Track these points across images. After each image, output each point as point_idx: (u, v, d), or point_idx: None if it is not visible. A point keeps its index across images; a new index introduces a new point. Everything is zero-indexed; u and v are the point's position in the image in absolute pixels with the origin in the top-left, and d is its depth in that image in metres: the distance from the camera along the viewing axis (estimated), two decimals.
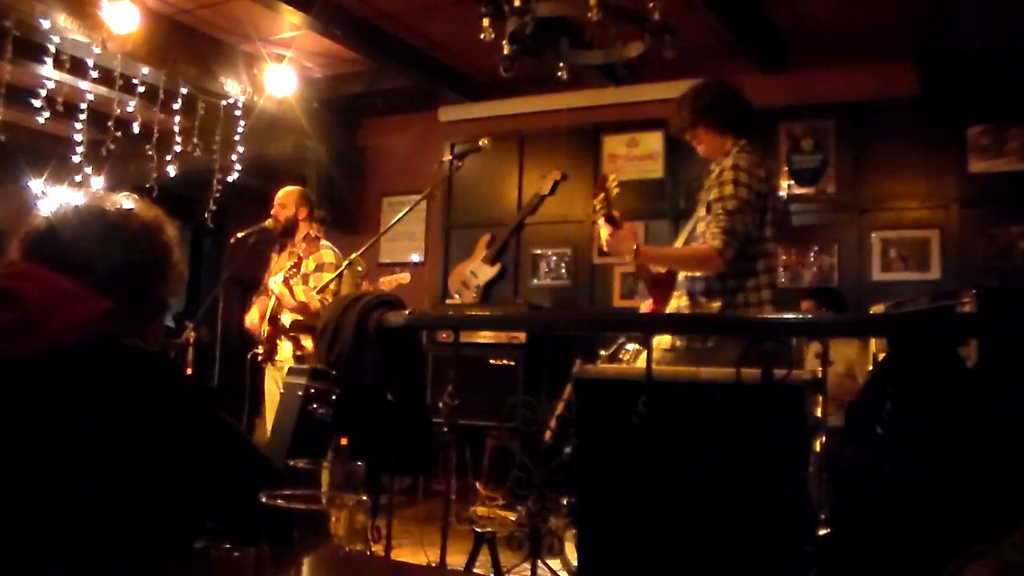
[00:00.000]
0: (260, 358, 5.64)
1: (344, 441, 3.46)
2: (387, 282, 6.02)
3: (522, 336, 6.79)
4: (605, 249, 4.08)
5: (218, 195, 8.04)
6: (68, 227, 1.68)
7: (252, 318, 5.74)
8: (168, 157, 7.78)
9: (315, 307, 5.24)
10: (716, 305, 3.76)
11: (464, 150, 4.88)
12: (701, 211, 3.90)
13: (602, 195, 3.95)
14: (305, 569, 1.00)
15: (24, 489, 1.42)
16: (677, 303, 3.92)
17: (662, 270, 4.09)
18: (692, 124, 4.01)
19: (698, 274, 3.84)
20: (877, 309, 5.32)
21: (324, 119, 8.93)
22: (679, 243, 4.11)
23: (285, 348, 5.56)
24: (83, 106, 7.36)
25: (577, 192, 8.38)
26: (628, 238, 3.91)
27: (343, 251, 5.58)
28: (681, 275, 3.96)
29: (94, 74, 7.06)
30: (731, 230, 3.66)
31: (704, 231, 3.79)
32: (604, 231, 3.96)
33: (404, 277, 6.06)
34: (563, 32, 5.05)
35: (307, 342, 5.40)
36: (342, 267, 4.96)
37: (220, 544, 1.49)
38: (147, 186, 7.49)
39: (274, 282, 5.43)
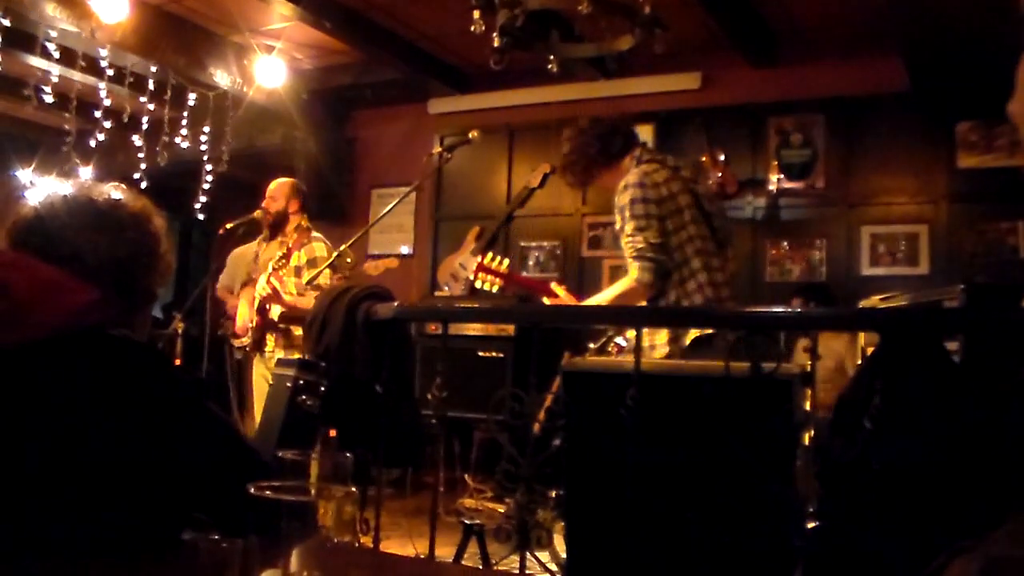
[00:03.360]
0: (248, 348, 5.61)
1: (332, 433, 3.46)
2: (373, 267, 6.00)
3: (511, 329, 6.79)
4: None
5: (207, 186, 8.03)
6: (56, 217, 1.68)
7: (243, 314, 5.70)
8: (157, 148, 7.75)
9: (307, 305, 5.20)
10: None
11: (453, 142, 4.86)
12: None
13: (481, 275, 4.04)
14: (293, 560, 1.00)
15: (11, 479, 1.42)
16: None
17: None
18: (583, 178, 4.15)
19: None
20: (867, 304, 5.33)
21: (314, 110, 8.90)
22: None
23: (274, 339, 5.54)
24: (72, 96, 7.32)
25: (566, 186, 8.36)
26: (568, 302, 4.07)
27: (332, 243, 5.56)
28: None
29: (83, 64, 7.03)
30: (638, 253, 3.72)
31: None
32: (547, 300, 4.12)
33: (392, 262, 6.04)
34: (553, 25, 5.04)
35: (298, 331, 5.38)
36: (331, 259, 4.95)
37: (208, 535, 1.49)
38: (136, 176, 7.47)
39: (260, 286, 5.40)
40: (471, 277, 4.15)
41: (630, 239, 3.74)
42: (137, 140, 7.67)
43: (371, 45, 7.81)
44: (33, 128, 9.07)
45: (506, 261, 4.12)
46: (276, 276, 5.26)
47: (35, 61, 6.99)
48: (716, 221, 3.96)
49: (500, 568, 4.08)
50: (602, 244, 8.12)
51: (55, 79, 7.26)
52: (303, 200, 5.82)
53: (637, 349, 3.09)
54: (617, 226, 3.86)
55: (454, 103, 8.83)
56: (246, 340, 5.59)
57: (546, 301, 4.06)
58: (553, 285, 4.10)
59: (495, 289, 4.10)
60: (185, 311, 6.31)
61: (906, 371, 2.62)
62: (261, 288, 5.35)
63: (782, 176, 7.48)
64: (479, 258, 4.13)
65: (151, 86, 7.34)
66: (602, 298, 4.03)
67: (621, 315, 3.92)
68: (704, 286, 3.81)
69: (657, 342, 3.82)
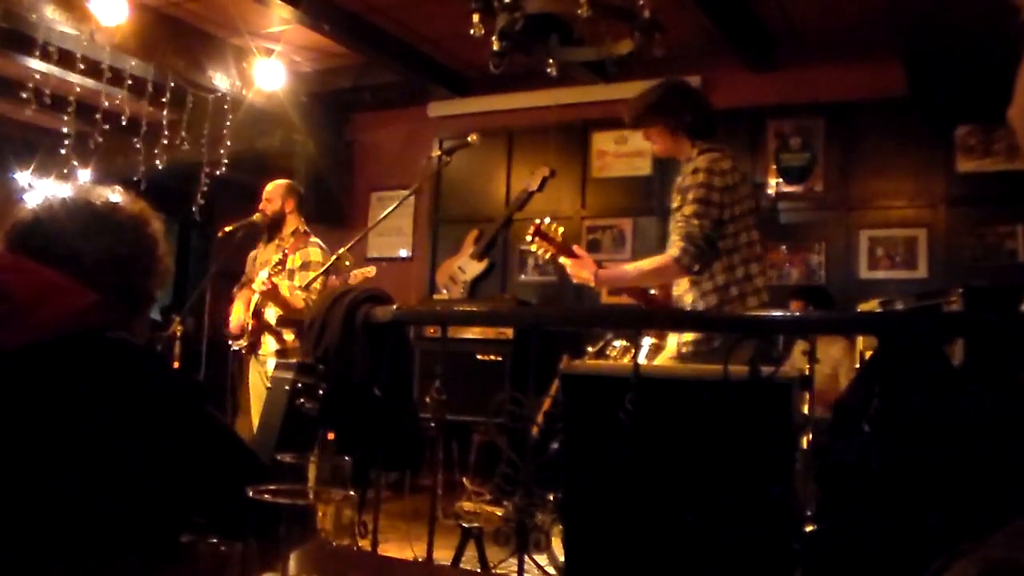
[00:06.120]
0: (243, 350, 5.63)
1: (331, 436, 3.46)
2: (354, 276, 6.02)
3: (509, 332, 6.78)
4: (573, 280, 4.10)
5: (206, 189, 8.02)
6: (55, 220, 1.68)
7: (238, 314, 5.72)
8: (156, 150, 7.75)
9: (299, 305, 5.26)
10: (714, 302, 3.76)
11: (453, 145, 4.87)
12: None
13: (538, 240, 3.98)
14: (292, 564, 0.99)
15: (8, 482, 1.42)
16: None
17: (657, 293, 4.12)
18: (643, 122, 4.05)
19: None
20: (866, 307, 5.34)
21: (313, 113, 8.90)
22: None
23: (269, 342, 5.56)
24: (71, 98, 7.32)
25: (565, 189, 8.38)
26: (588, 265, 3.95)
27: (331, 246, 5.57)
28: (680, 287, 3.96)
29: (82, 66, 7.03)
30: (689, 235, 3.68)
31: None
32: (567, 264, 4.00)
33: (370, 271, 6.04)
34: (552, 29, 5.05)
35: (289, 336, 5.42)
36: (328, 263, 4.96)
37: (206, 538, 1.48)
38: (135, 179, 7.47)
39: (259, 282, 5.42)
40: (528, 238, 4.07)
41: (684, 220, 3.71)
42: (136, 143, 7.66)
43: (370, 48, 7.81)
44: (32, 130, 9.06)
45: (562, 229, 4.05)
46: (271, 281, 5.27)
47: (34, 63, 6.98)
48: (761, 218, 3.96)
49: (498, 571, 4.08)
50: (601, 247, 8.11)
51: (54, 81, 7.27)
52: (299, 200, 5.85)
53: (636, 353, 3.10)
54: (674, 204, 3.83)
55: (453, 106, 8.82)
56: (243, 342, 5.61)
57: (563, 261, 4.00)
58: (575, 247, 4.03)
59: (547, 256, 4.05)
60: (184, 313, 6.31)
61: (905, 375, 2.62)
62: (259, 284, 5.36)
63: (781, 180, 7.48)
64: (537, 220, 4.08)
65: (150, 89, 7.34)
66: (635, 268, 3.99)
67: (620, 318, 3.93)
68: (755, 276, 3.81)
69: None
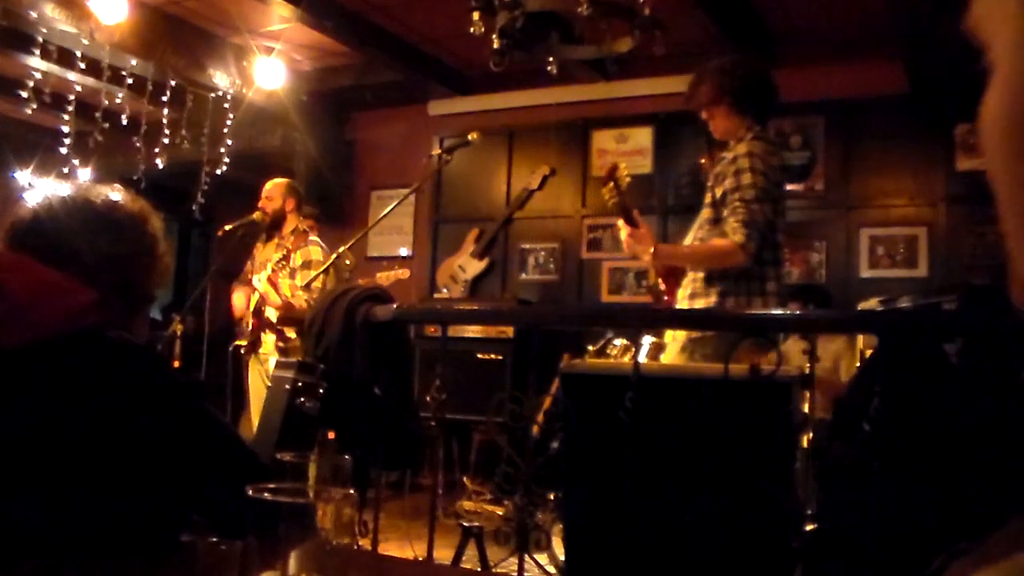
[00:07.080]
0: (243, 350, 5.63)
1: (331, 435, 3.45)
2: (384, 277, 6.02)
3: (510, 331, 6.79)
4: (625, 251, 4.00)
5: (206, 187, 8.01)
6: (55, 218, 1.68)
7: (239, 303, 5.74)
8: (156, 149, 7.75)
9: (300, 305, 5.26)
10: (715, 291, 3.64)
11: (453, 144, 4.86)
12: (708, 198, 3.81)
13: (611, 184, 3.89)
14: (292, 563, 0.99)
15: (8, 481, 1.42)
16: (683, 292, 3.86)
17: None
18: (713, 102, 3.87)
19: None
20: (865, 306, 5.34)
21: (313, 112, 8.90)
22: (690, 237, 3.99)
23: (268, 340, 5.56)
24: (71, 97, 7.33)
25: (566, 187, 8.38)
26: (645, 238, 3.80)
27: (331, 245, 5.57)
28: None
29: (82, 65, 7.03)
30: (751, 222, 3.52)
31: (709, 218, 3.74)
32: (623, 231, 3.87)
33: (403, 273, 6.05)
34: (553, 27, 5.04)
35: (291, 333, 5.42)
36: (329, 262, 4.96)
37: (206, 538, 1.48)
38: (135, 178, 7.47)
39: (258, 279, 5.42)
40: (606, 197, 3.91)
41: (744, 205, 3.53)
42: (136, 141, 7.66)
43: (371, 47, 7.81)
44: (32, 129, 9.06)
45: (628, 179, 3.91)
46: (274, 277, 5.28)
47: (34, 62, 6.99)
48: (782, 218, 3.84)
49: (498, 571, 4.08)
50: (601, 246, 8.11)
51: (54, 80, 7.27)
52: (299, 199, 5.86)
53: (636, 353, 3.09)
54: (728, 183, 3.63)
55: (454, 105, 8.82)
56: (243, 341, 5.62)
57: (620, 226, 3.85)
58: (636, 213, 3.89)
59: (611, 203, 3.87)
60: (184, 312, 6.31)
61: (905, 374, 2.62)
62: (259, 283, 5.37)
63: None
64: (616, 163, 3.96)
65: (150, 87, 7.34)
66: (693, 249, 3.83)
67: (620, 317, 3.92)
68: (768, 280, 3.65)
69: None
